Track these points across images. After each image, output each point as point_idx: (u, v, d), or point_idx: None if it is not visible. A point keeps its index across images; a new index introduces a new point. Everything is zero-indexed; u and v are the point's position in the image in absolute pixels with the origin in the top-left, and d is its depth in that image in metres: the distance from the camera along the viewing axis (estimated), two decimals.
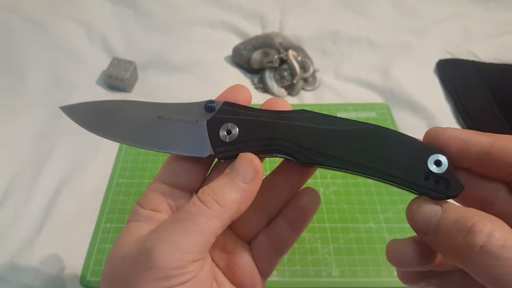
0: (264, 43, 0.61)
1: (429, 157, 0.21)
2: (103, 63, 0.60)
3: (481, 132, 0.21)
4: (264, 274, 0.27)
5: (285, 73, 0.59)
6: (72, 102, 0.27)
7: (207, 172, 0.26)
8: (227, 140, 0.24)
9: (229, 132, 0.24)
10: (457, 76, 0.59)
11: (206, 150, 0.24)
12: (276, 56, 0.59)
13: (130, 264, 0.21)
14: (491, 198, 0.22)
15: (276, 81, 0.59)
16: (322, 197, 0.45)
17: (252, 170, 0.22)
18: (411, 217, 0.20)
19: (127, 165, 0.49)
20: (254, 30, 0.68)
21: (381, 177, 0.22)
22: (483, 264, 0.17)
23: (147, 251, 0.20)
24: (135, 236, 0.22)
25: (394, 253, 0.23)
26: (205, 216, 0.21)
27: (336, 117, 0.24)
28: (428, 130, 0.22)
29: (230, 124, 0.24)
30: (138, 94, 0.58)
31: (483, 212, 0.18)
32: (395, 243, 0.23)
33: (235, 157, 0.23)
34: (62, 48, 0.62)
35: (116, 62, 0.58)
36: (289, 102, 0.25)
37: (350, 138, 0.22)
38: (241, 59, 0.61)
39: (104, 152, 0.50)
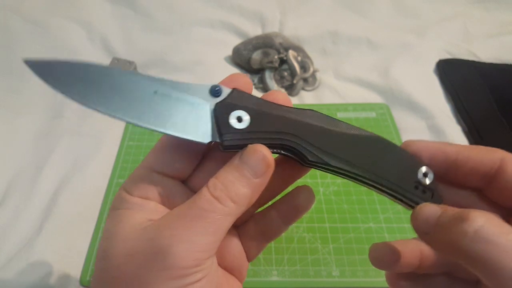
0: (264, 43, 0.61)
1: (419, 168, 0.23)
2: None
3: (449, 143, 0.24)
4: (250, 257, 0.27)
5: (285, 73, 0.59)
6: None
7: (198, 161, 0.25)
8: (237, 127, 0.22)
9: (240, 120, 0.22)
10: (457, 76, 0.59)
11: (208, 136, 0.22)
12: (276, 56, 0.59)
13: (143, 264, 0.20)
14: (462, 204, 0.24)
15: (276, 81, 0.59)
16: (322, 197, 0.45)
17: (264, 164, 0.21)
18: (415, 218, 0.21)
19: (127, 165, 0.49)
20: (254, 30, 0.68)
21: (379, 182, 0.23)
22: (477, 250, 0.17)
23: (163, 250, 0.19)
24: (133, 227, 0.21)
25: (373, 254, 0.25)
26: (220, 213, 0.20)
27: (342, 121, 0.24)
28: (403, 142, 0.25)
29: (241, 111, 0.22)
30: None
31: (478, 210, 0.19)
32: (375, 245, 0.26)
33: (241, 147, 0.22)
34: (62, 48, 0.62)
35: (116, 62, 0.58)
36: None
37: (356, 143, 0.24)
38: (241, 59, 0.61)
39: (104, 152, 0.50)
